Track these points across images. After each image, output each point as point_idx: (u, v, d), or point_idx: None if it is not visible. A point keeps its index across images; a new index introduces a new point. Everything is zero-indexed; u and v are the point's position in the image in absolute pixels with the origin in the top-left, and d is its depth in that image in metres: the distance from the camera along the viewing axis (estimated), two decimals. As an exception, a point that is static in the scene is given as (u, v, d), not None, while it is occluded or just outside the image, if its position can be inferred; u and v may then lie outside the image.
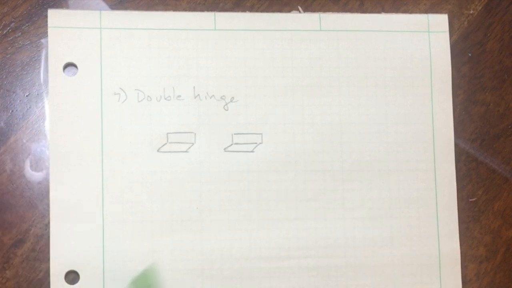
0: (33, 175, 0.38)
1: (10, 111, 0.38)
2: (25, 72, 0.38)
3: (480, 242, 0.41)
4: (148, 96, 0.38)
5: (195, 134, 0.38)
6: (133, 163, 0.38)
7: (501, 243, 0.41)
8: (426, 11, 0.42)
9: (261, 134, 0.39)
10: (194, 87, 0.39)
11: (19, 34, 0.39)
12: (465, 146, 0.41)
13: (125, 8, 0.40)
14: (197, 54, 0.39)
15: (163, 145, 0.38)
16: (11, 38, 0.39)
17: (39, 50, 0.39)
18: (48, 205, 0.37)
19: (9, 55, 0.38)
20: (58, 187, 0.37)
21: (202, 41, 0.39)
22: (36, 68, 0.38)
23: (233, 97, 0.39)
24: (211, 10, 0.40)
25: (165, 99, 0.38)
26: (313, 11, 0.41)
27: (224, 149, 0.39)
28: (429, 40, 0.41)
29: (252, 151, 0.39)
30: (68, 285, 0.36)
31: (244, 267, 0.38)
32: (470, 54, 0.42)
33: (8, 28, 0.39)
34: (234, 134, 0.39)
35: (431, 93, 0.41)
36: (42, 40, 0.39)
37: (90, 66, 0.38)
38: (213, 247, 0.38)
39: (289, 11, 0.41)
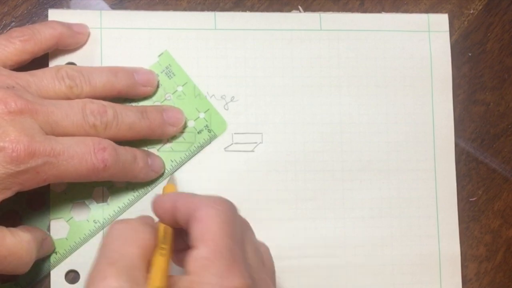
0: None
1: (11, 110, 0.38)
2: (25, 72, 0.38)
3: (480, 241, 0.41)
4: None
5: (195, 133, 0.38)
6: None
7: (501, 243, 0.41)
8: (426, 11, 0.42)
9: (261, 134, 0.39)
10: (194, 87, 0.39)
11: (20, 34, 0.39)
12: (465, 146, 0.41)
13: (125, 8, 0.40)
14: (197, 54, 0.39)
15: (163, 145, 0.38)
16: (12, 38, 0.39)
17: (40, 50, 0.38)
18: (49, 205, 0.37)
19: (9, 55, 0.38)
20: (58, 188, 0.37)
21: (202, 41, 0.39)
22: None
23: (233, 97, 0.39)
24: (211, 10, 0.40)
25: (166, 98, 0.38)
26: (313, 10, 0.41)
27: (224, 148, 0.39)
28: (429, 39, 0.41)
29: (252, 151, 0.39)
30: (69, 284, 0.36)
31: (244, 266, 0.38)
32: (470, 54, 0.42)
33: (9, 28, 0.39)
34: (234, 133, 0.39)
35: (431, 93, 0.41)
36: (43, 40, 0.39)
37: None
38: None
39: (289, 10, 0.41)
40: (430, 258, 0.39)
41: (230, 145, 0.39)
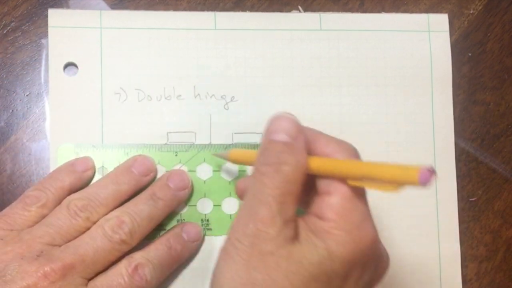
0: (34, 174, 0.38)
1: (11, 110, 0.38)
2: (25, 72, 0.38)
3: (480, 241, 0.41)
4: (149, 95, 0.38)
5: (195, 133, 0.38)
6: (133, 163, 0.38)
7: (501, 243, 0.41)
8: (426, 11, 0.42)
9: (261, 134, 0.39)
10: (194, 87, 0.39)
11: (20, 33, 0.39)
12: (465, 146, 0.41)
13: (125, 8, 0.40)
14: (197, 54, 0.39)
15: (164, 145, 0.38)
16: (12, 37, 0.39)
17: (40, 50, 0.39)
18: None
19: (9, 55, 0.38)
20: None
21: (202, 41, 0.39)
22: (36, 68, 0.38)
23: (233, 97, 0.39)
24: (211, 10, 0.40)
25: (166, 98, 0.38)
26: (313, 10, 0.41)
27: (225, 148, 0.39)
28: (429, 39, 0.41)
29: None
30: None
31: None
32: (470, 54, 0.42)
33: (9, 28, 0.39)
34: (235, 133, 0.39)
35: (431, 93, 0.41)
36: (43, 40, 0.39)
37: (90, 65, 0.38)
38: (214, 247, 0.38)
39: (289, 10, 0.41)
40: (430, 258, 0.39)
41: (230, 145, 0.39)
